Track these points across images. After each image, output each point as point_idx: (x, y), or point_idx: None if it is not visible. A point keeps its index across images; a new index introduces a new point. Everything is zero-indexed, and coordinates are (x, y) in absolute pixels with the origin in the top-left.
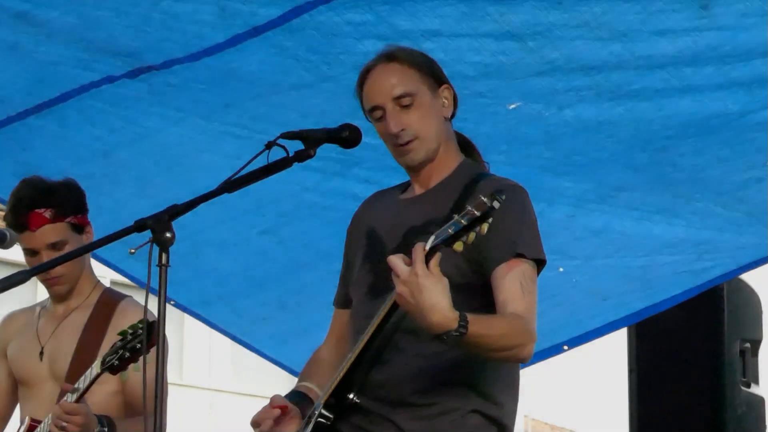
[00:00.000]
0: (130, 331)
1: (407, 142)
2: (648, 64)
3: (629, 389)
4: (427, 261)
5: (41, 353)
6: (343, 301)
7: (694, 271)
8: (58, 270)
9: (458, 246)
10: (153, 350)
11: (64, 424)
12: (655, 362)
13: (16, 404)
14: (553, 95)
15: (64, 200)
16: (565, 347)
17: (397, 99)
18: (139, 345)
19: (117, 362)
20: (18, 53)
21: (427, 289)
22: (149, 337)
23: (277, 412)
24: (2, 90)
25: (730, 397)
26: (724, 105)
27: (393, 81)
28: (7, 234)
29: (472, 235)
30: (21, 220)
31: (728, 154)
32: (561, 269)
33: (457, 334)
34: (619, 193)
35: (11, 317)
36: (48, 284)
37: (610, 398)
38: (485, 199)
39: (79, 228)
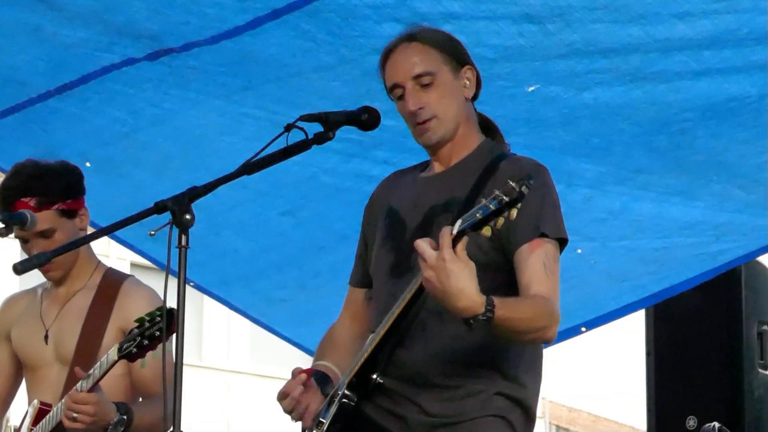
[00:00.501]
0: (147, 318)
1: (425, 121)
2: (667, 47)
3: (647, 372)
4: (453, 245)
5: (46, 336)
6: (359, 280)
7: (711, 253)
8: None
9: (486, 231)
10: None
11: (74, 414)
12: (672, 345)
13: (19, 387)
14: (572, 78)
15: (50, 187)
16: (583, 329)
17: (417, 78)
18: (158, 333)
19: (135, 350)
20: (39, 36)
21: (455, 273)
22: (168, 325)
23: (304, 377)
24: (23, 72)
25: (747, 379)
26: (743, 88)
27: (413, 60)
28: (28, 216)
29: (500, 221)
30: (8, 210)
31: (746, 136)
32: (579, 251)
33: (485, 318)
34: (637, 175)
35: (12, 300)
36: (41, 271)
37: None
38: (514, 185)
39: (70, 213)
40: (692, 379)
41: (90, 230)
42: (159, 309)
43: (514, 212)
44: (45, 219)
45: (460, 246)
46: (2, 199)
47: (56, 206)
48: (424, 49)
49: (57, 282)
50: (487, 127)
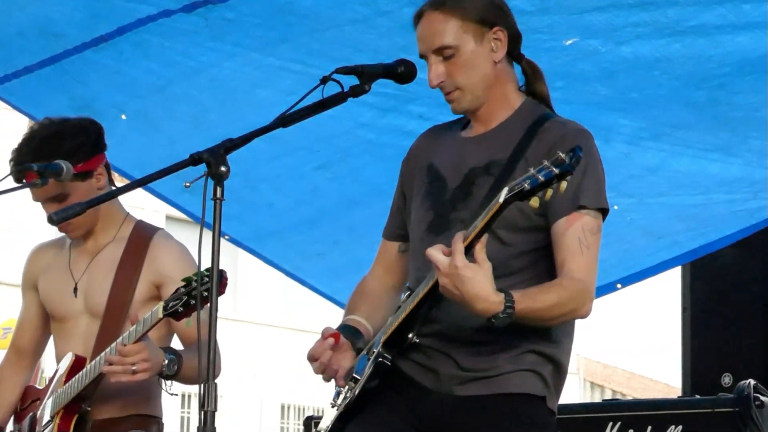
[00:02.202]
0: (195, 278)
1: (449, 93)
2: (706, 0)
3: (682, 327)
4: (472, 245)
5: (75, 289)
6: (394, 234)
7: (749, 209)
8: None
9: (534, 202)
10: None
11: (133, 367)
12: (708, 301)
13: (49, 337)
14: (611, 31)
15: (62, 151)
16: (619, 285)
17: (438, 51)
18: (205, 293)
19: (181, 308)
20: None
21: (469, 279)
22: (217, 285)
23: (332, 341)
24: (59, 24)
25: None
26: None
27: (434, 32)
28: (63, 166)
29: (549, 192)
30: (20, 175)
31: None
32: (615, 207)
33: (505, 315)
34: (675, 130)
35: (40, 249)
36: (61, 230)
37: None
38: (563, 156)
39: (84, 175)
40: (728, 336)
41: (124, 182)
42: (208, 269)
43: (563, 185)
44: (55, 185)
45: (479, 246)
46: (14, 163)
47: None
48: (446, 20)
49: (81, 238)
50: (530, 74)
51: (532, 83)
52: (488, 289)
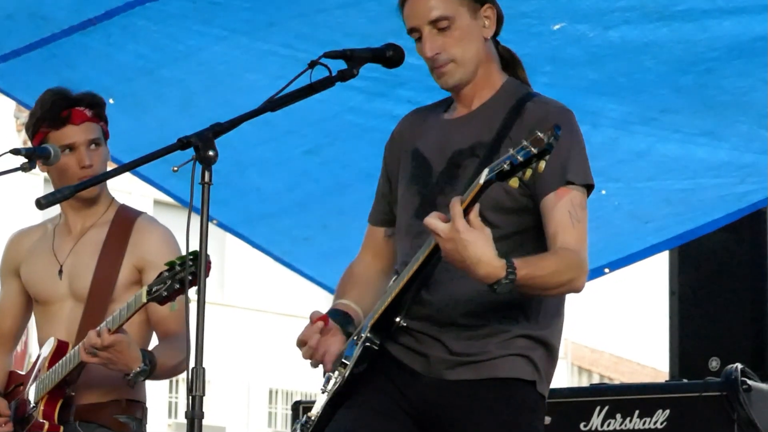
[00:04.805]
0: (178, 261)
1: (442, 65)
2: None
3: (670, 312)
4: (465, 213)
5: (60, 272)
6: (379, 219)
7: (737, 194)
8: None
9: (514, 182)
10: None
11: (96, 351)
12: (697, 285)
13: (28, 322)
14: (599, 16)
15: (102, 105)
16: (607, 270)
17: (434, 22)
18: (190, 276)
19: (165, 293)
20: None
21: (471, 243)
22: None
23: (321, 324)
24: (47, 7)
25: None
26: None
27: (431, 4)
28: (51, 150)
29: (528, 172)
30: (63, 115)
31: None
32: (603, 192)
33: (507, 281)
34: (662, 115)
35: (21, 234)
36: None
37: (650, 323)
38: (542, 135)
39: (106, 136)
40: (716, 320)
41: (112, 166)
42: (191, 253)
43: (542, 165)
44: (96, 129)
45: (473, 214)
46: (56, 104)
47: (101, 124)
48: None
49: (69, 215)
50: (509, 60)
51: (511, 68)
52: (490, 253)
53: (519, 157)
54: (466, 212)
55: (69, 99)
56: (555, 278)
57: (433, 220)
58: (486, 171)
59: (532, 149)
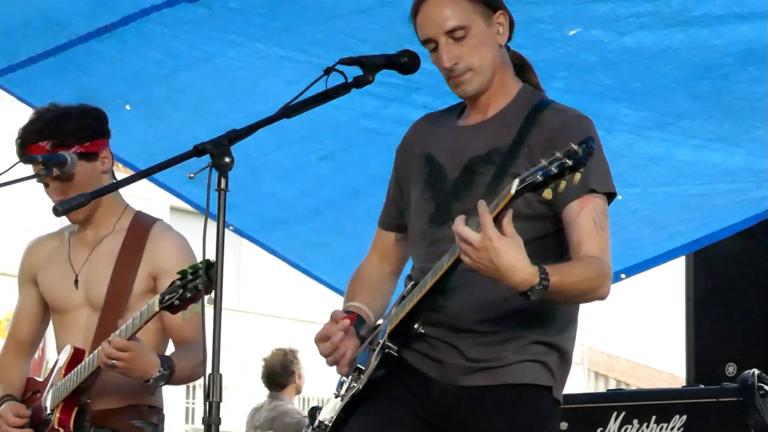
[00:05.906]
0: (190, 270)
1: (460, 74)
2: None
3: (686, 317)
4: (497, 218)
5: (76, 281)
6: (389, 224)
7: (753, 199)
8: None
9: (547, 194)
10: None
11: (113, 361)
12: (712, 291)
13: (45, 330)
14: (614, 21)
15: (66, 130)
16: (623, 276)
17: (450, 32)
18: (201, 286)
19: (177, 302)
20: None
21: (504, 251)
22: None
23: (347, 322)
24: (63, 14)
25: None
26: None
27: (445, 14)
28: (68, 157)
29: (562, 184)
30: (24, 153)
31: None
32: (619, 197)
33: (541, 287)
34: (678, 120)
35: (38, 243)
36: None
37: (666, 328)
38: (577, 148)
39: (88, 156)
40: (732, 325)
41: (129, 173)
42: (204, 262)
43: (577, 176)
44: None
45: (507, 220)
46: (20, 143)
47: (73, 149)
48: (456, 1)
49: (81, 225)
50: (521, 67)
51: (523, 73)
52: (524, 260)
53: (553, 169)
54: (496, 220)
55: (31, 135)
56: (583, 285)
57: (466, 230)
58: (516, 181)
59: (567, 161)
